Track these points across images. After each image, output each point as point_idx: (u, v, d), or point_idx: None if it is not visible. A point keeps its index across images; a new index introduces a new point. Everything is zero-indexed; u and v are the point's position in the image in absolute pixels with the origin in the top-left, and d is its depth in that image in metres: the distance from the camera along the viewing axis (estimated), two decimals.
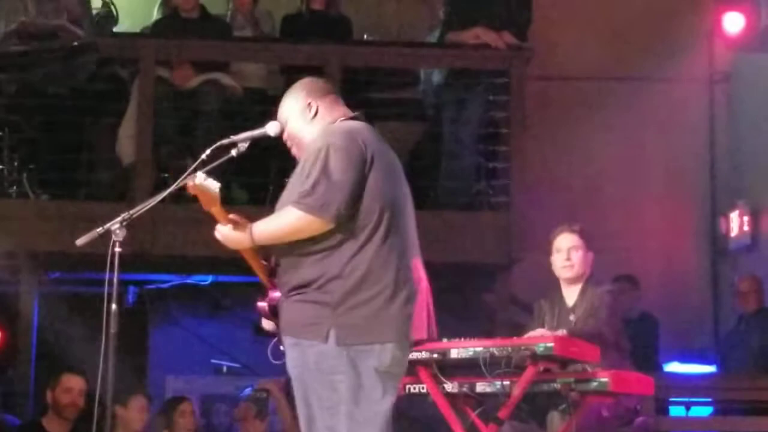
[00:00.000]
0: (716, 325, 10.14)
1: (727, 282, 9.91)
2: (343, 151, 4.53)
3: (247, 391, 8.38)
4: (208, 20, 8.96)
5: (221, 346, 9.89)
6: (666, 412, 8.16)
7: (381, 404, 4.51)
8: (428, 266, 4.73)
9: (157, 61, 8.59)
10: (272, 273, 4.73)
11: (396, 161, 4.76)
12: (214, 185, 4.48)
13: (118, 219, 4.84)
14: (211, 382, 9.85)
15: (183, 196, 8.07)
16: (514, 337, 5.79)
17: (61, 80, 7.51)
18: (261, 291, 4.82)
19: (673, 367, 9.60)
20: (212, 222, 8.37)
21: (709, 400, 8.56)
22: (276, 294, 4.68)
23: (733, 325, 9.37)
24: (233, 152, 4.82)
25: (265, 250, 4.72)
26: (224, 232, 4.63)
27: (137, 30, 9.25)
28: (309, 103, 4.77)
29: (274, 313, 4.70)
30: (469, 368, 5.54)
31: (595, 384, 5.60)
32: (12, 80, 7.74)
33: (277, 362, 4.71)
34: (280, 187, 8.60)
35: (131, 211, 4.90)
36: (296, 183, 4.62)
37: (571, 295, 6.35)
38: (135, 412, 7.64)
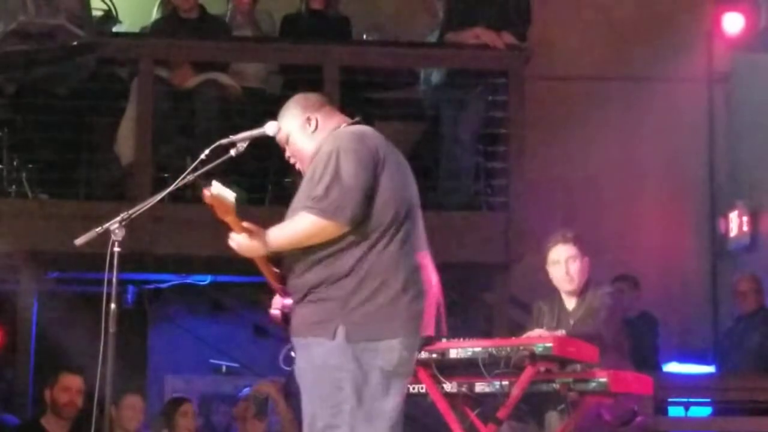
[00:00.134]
0: (715, 325, 10.14)
1: (726, 282, 9.91)
2: (353, 154, 4.55)
3: (246, 390, 8.39)
4: (207, 20, 8.96)
5: (220, 346, 9.89)
6: (665, 412, 8.17)
7: (385, 404, 4.52)
8: None
9: (157, 60, 8.59)
10: (284, 280, 4.73)
11: (404, 161, 4.79)
12: (229, 194, 4.50)
13: (118, 218, 4.84)
14: (211, 381, 9.85)
15: (182, 196, 8.16)
16: (513, 337, 5.79)
17: (61, 80, 7.50)
18: (271, 298, 4.82)
19: (672, 367, 9.61)
20: (211, 221, 8.38)
21: (708, 400, 8.57)
22: (288, 301, 4.68)
23: (731, 325, 9.37)
24: (232, 152, 4.82)
25: (276, 256, 4.72)
26: (239, 241, 4.64)
27: (136, 30, 9.25)
28: (308, 118, 4.80)
29: (286, 320, 4.71)
30: (467, 368, 5.54)
31: (593, 384, 5.60)
32: (11, 80, 7.73)
33: (287, 368, 4.71)
34: (279, 186, 8.71)
35: (130, 211, 4.91)
36: (306, 189, 4.63)
37: (571, 300, 6.35)
38: (127, 410, 7.64)
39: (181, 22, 8.87)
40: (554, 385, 5.65)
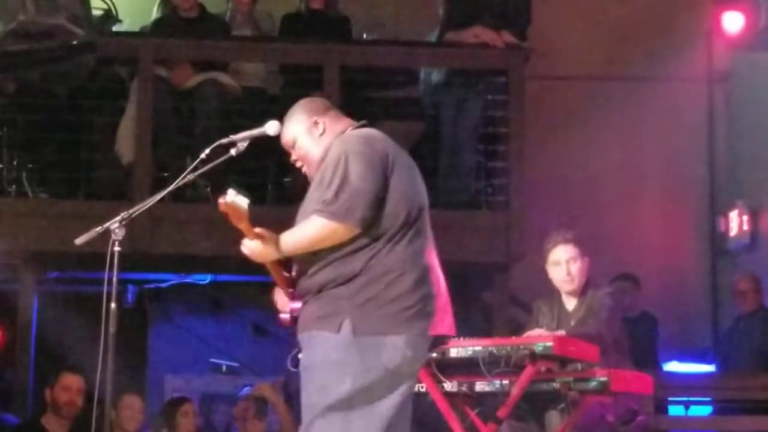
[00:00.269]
0: (715, 324, 10.14)
1: (726, 281, 9.91)
2: (362, 157, 4.57)
3: (246, 390, 8.39)
4: (207, 19, 8.96)
5: (220, 345, 9.89)
6: (665, 411, 8.18)
7: (384, 403, 4.52)
8: None
9: (156, 60, 8.59)
10: (294, 284, 4.74)
11: (413, 163, 4.80)
12: (243, 202, 4.50)
13: (118, 218, 4.85)
14: (210, 381, 9.85)
15: (182, 196, 8.17)
16: (513, 337, 5.80)
17: (61, 79, 7.50)
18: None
19: (672, 366, 9.61)
20: (211, 221, 8.39)
21: (708, 399, 8.57)
22: (297, 305, 4.69)
23: (731, 324, 9.37)
24: (232, 151, 4.83)
25: (288, 259, 4.72)
26: (251, 247, 4.64)
27: (136, 29, 9.25)
28: (315, 121, 4.80)
29: (296, 324, 4.71)
30: (468, 367, 5.55)
31: (594, 383, 5.61)
32: (11, 79, 7.73)
33: (295, 370, 4.71)
34: (279, 186, 8.71)
35: (130, 210, 4.91)
36: (316, 193, 4.64)
37: (571, 300, 6.36)
38: (126, 411, 7.64)
39: (180, 22, 8.87)
40: (554, 384, 5.65)
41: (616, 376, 5.64)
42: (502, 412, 5.55)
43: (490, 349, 5.48)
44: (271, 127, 4.82)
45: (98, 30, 7.57)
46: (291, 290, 4.74)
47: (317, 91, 7.80)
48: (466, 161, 8.60)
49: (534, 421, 6.10)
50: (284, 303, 4.77)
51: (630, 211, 10.07)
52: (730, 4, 9.11)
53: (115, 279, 4.81)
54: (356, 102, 8.45)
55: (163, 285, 9.60)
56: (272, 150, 7.92)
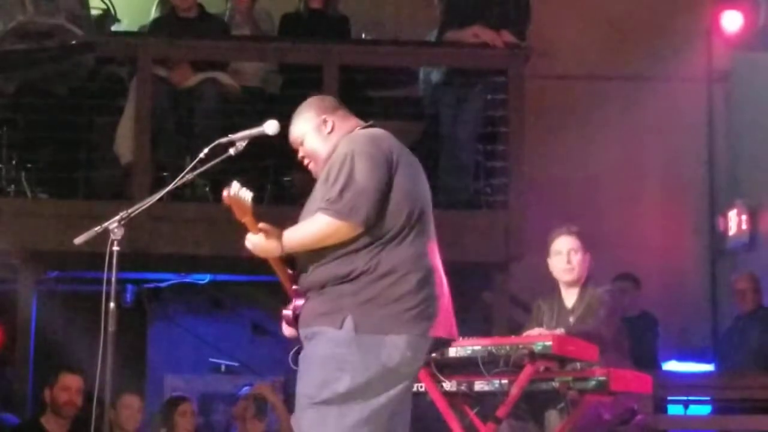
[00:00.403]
0: (715, 323, 10.15)
1: (725, 281, 9.92)
2: (367, 156, 4.58)
3: (246, 389, 8.38)
4: (206, 19, 8.96)
5: (220, 345, 9.89)
6: (664, 410, 8.18)
7: (378, 400, 4.53)
8: None
9: (156, 60, 8.59)
10: (297, 281, 4.75)
11: (418, 163, 4.82)
12: (247, 195, 4.51)
13: (117, 218, 4.85)
14: (210, 380, 9.85)
15: (181, 195, 8.17)
16: (513, 336, 5.80)
17: (60, 79, 7.51)
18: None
19: (672, 365, 9.61)
20: (210, 220, 8.39)
21: (708, 398, 8.57)
22: (299, 302, 4.69)
23: (731, 323, 9.37)
24: (231, 151, 4.83)
25: (290, 257, 4.73)
26: (255, 242, 4.65)
27: (135, 29, 9.25)
28: (324, 120, 4.81)
29: (297, 321, 4.71)
30: (467, 367, 5.54)
31: (593, 383, 5.61)
32: (10, 79, 7.73)
33: (296, 368, 4.72)
34: (279, 185, 8.70)
35: (129, 210, 4.91)
36: (321, 191, 4.65)
37: (570, 296, 6.36)
38: (125, 410, 7.64)
39: (179, 21, 8.87)
40: (554, 383, 5.65)
41: (615, 375, 5.64)
42: (501, 412, 5.55)
43: (489, 348, 5.48)
44: (270, 127, 4.82)
45: (97, 30, 7.57)
46: (294, 287, 4.74)
47: (316, 91, 7.80)
48: (465, 161, 8.60)
49: (533, 420, 6.09)
50: (292, 333, 4.78)
51: (629, 211, 10.08)
52: (729, 4, 9.11)
53: (114, 278, 4.81)
54: (355, 102, 8.42)
55: (163, 285, 9.60)
56: (271, 150, 7.98)
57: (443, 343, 4.80)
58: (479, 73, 8.71)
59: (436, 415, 5.76)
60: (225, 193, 4.50)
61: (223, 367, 9.87)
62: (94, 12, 7.88)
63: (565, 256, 6.33)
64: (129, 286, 9.58)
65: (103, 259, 4.80)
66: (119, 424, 7.62)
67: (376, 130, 4.79)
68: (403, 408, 4.65)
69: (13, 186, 8.44)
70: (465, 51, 8.73)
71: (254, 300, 9.52)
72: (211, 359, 9.88)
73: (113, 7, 8.76)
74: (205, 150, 4.82)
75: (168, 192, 5.07)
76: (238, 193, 4.49)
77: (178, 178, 4.98)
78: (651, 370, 7.38)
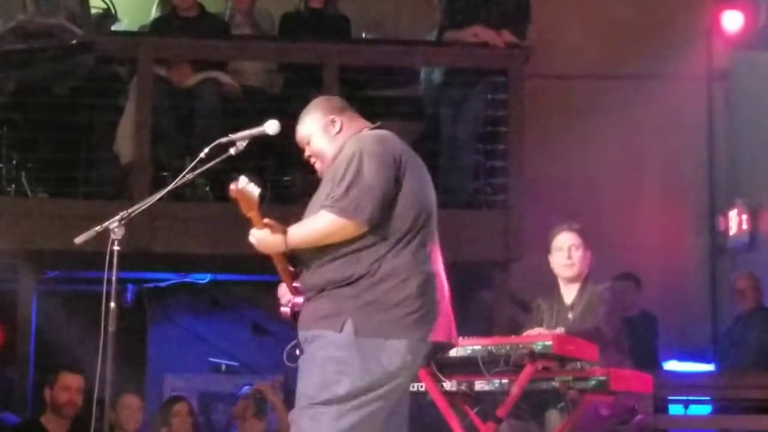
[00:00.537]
0: (715, 323, 10.14)
1: (725, 280, 9.92)
2: (375, 156, 4.59)
3: (246, 389, 8.38)
4: (206, 19, 8.96)
5: (220, 344, 9.89)
6: (664, 410, 8.17)
7: (377, 403, 4.53)
8: None
9: (156, 59, 8.59)
10: (298, 279, 4.75)
11: (424, 165, 4.83)
12: (255, 190, 4.51)
13: (117, 217, 4.85)
14: (210, 380, 9.85)
15: (181, 195, 8.16)
16: (513, 336, 5.80)
17: (60, 79, 7.51)
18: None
19: (672, 365, 9.61)
20: (210, 220, 8.39)
21: (708, 398, 8.57)
22: (299, 300, 4.69)
23: (731, 323, 9.37)
24: (231, 151, 4.83)
25: (293, 255, 4.73)
26: (259, 237, 4.65)
27: (135, 29, 9.25)
28: (332, 120, 4.82)
29: (295, 318, 4.72)
30: (467, 367, 5.54)
31: (593, 382, 5.60)
32: (10, 79, 7.73)
33: (291, 365, 4.72)
34: (278, 185, 8.70)
35: (130, 210, 4.92)
36: (327, 189, 4.65)
37: (569, 293, 6.36)
38: (125, 411, 7.63)
39: (180, 21, 8.87)
40: (554, 383, 5.65)
41: (615, 374, 5.64)
42: (501, 411, 5.55)
43: (489, 348, 5.48)
44: (270, 127, 4.82)
45: (97, 29, 7.57)
46: (294, 285, 4.74)
47: (316, 91, 7.80)
48: (465, 160, 8.60)
49: (533, 420, 6.09)
50: (284, 293, 4.77)
51: (629, 210, 10.08)
52: (729, 3, 9.11)
53: (114, 278, 4.81)
54: (355, 101, 8.41)
55: (163, 284, 9.61)
56: (271, 149, 7.98)
57: (443, 347, 4.80)
58: (479, 72, 8.71)
59: (436, 414, 5.76)
60: (232, 186, 4.50)
61: (223, 367, 9.87)
62: (94, 11, 7.89)
63: (566, 251, 6.33)
64: (129, 286, 9.59)
65: (103, 258, 4.80)
66: (119, 425, 7.61)
67: (384, 132, 4.80)
68: (400, 410, 4.67)
69: (13, 185, 8.44)
70: (465, 51, 8.73)
71: (254, 300, 9.53)
72: (211, 359, 9.89)
73: (113, 6, 8.77)
74: (206, 150, 4.82)
75: (168, 192, 5.07)
76: (246, 187, 4.50)
77: (179, 178, 4.98)
78: (651, 369, 7.38)
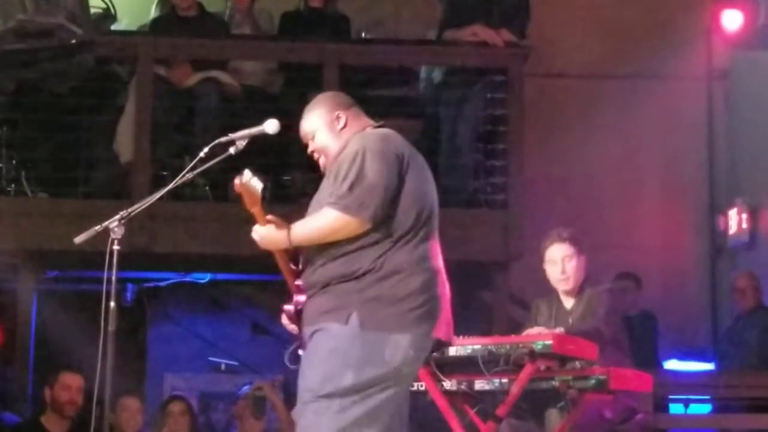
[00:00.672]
0: (714, 322, 10.15)
1: (725, 279, 9.93)
2: (379, 154, 4.60)
3: (245, 389, 8.38)
4: (206, 18, 8.96)
5: (219, 344, 9.89)
6: (665, 409, 8.17)
7: (379, 398, 4.53)
8: None
9: (155, 59, 8.59)
10: (300, 277, 4.75)
11: (426, 164, 4.83)
12: (258, 185, 4.51)
13: (117, 217, 4.85)
14: (210, 379, 9.85)
15: (181, 194, 8.16)
16: (513, 335, 5.80)
17: (60, 78, 7.50)
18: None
19: (672, 364, 9.61)
20: (210, 220, 8.39)
21: (708, 397, 8.57)
22: (301, 298, 4.69)
23: (731, 322, 9.37)
24: (231, 150, 4.83)
25: (296, 252, 4.72)
26: (262, 233, 4.66)
27: (135, 28, 9.24)
28: (338, 115, 4.83)
29: (299, 316, 4.71)
30: (467, 366, 5.54)
31: (593, 381, 5.60)
32: (10, 78, 7.73)
33: (293, 367, 4.72)
34: (278, 185, 8.70)
35: (129, 209, 4.92)
36: (330, 186, 4.65)
37: (568, 299, 6.35)
38: (124, 413, 7.62)
39: (179, 20, 8.87)
40: (554, 382, 5.65)
41: (615, 374, 5.63)
42: (501, 411, 5.55)
43: (489, 347, 5.48)
44: (270, 126, 4.83)
45: (97, 29, 7.57)
46: (297, 283, 4.74)
47: (316, 90, 7.79)
48: (465, 160, 8.59)
49: (533, 419, 6.09)
50: (292, 328, 4.78)
51: (629, 210, 10.08)
52: (729, 3, 9.11)
53: (114, 278, 4.82)
54: (355, 101, 8.44)
55: (162, 284, 9.60)
56: (271, 149, 7.98)
57: (441, 345, 4.81)
58: (479, 72, 8.71)
59: (436, 414, 5.76)
60: (237, 180, 4.51)
61: (223, 366, 9.87)
62: (94, 11, 7.88)
63: (559, 264, 6.30)
64: (129, 286, 9.59)
65: (103, 258, 4.81)
66: (119, 426, 7.60)
67: (387, 130, 4.81)
68: (402, 407, 4.66)
69: (13, 185, 8.44)
70: (465, 50, 8.72)
71: (254, 299, 9.53)
72: (211, 358, 9.89)
73: (113, 6, 8.76)
74: (205, 149, 4.82)
75: (168, 191, 5.07)
76: (250, 181, 4.51)
77: (178, 178, 4.98)
78: (651, 369, 7.38)
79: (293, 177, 8.68)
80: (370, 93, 8.96)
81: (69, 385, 7.51)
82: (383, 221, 4.57)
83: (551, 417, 6.01)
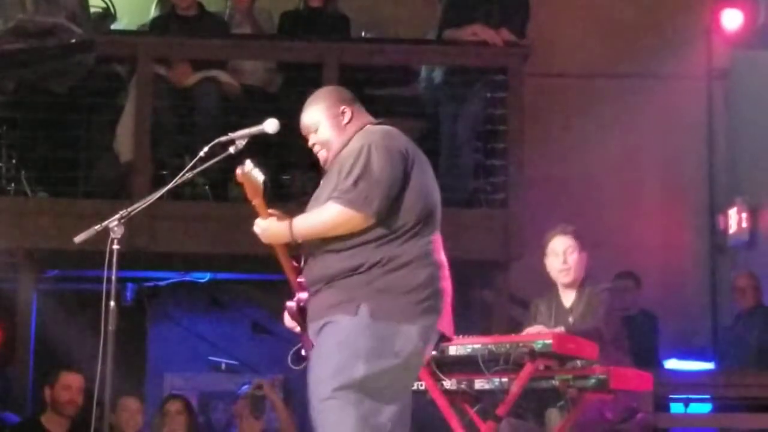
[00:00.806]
0: (715, 322, 10.14)
1: (725, 279, 9.92)
2: (384, 150, 4.61)
3: (245, 388, 8.38)
4: (205, 18, 8.96)
5: (219, 343, 9.89)
6: (665, 408, 8.17)
7: (391, 390, 4.56)
8: None
9: (155, 58, 8.59)
10: (302, 273, 4.74)
11: (428, 161, 4.84)
12: (259, 176, 4.52)
13: (116, 216, 4.86)
14: (210, 379, 9.85)
15: (181, 194, 8.16)
16: (513, 334, 5.80)
17: (60, 78, 7.50)
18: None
19: (672, 364, 9.61)
20: (210, 219, 8.39)
21: (708, 396, 8.57)
22: (303, 295, 4.68)
23: (731, 322, 9.37)
24: (231, 149, 4.83)
25: (297, 248, 4.72)
26: (264, 226, 4.67)
27: (135, 28, 9.24)
28: (343, 110, 4.84)
29: (300, 313, 4.70)
30: (467, 365, 5.54)
31: (593, 381, 5.60)
32: (10, 78, 7.73)
33: (296, 368, 4.72)
34: (278, 184, 8.70)
35: (129, 209, 4.92)
36: (334, 181, 4.65)
37: (568, 296, 6.36)
38: (124, 413, 7.62)
39: (179, 20, 8.87)
40: (554, 381, 5.65)
41: (615, 373, 5.63)
42: (501, 410, 5.55)
43: (489, 347, 5.48)
44: (269, 126, 4.83)
45: (97, 28, 7.57)
46: (298, 280, 4.73)
47: (316, 90, 7.79)
48: (464, 159, 8.59)
49: (533, 418, 6.10)
50: (293, 325, 4.77)
51: (629, 209, 10.07)
52: (729, 2, 9.12)
53: (114, 277, 4.82)
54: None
55: (162, 283, 9.60)
56: (271, 148, 7.98)
57: (443, 339, 4.81)
58: (479, 71, 8.71)
59: (436, 413, 5.75)
60: (239, 170, 4.52)
61: (223, 366, 9.87)
62: (93, 11, 7.88)
63: (561, 256, 6.32)
64: (129, 285, 9.58)
65: (102, 257, 4.81)
66: (119, 427, 7.59)
67: (390, 127, 4.81)
68: (409, 401, 4.69)
69: (12, 185, 8.44)
70: (464, 49, 8.73)
71: (254, 298, 9.53)
72: (210, 358, 9.89)
73: (113, 5, 8.76)
74: (205, 149, 4.83)
75: (168, 190, 5.07)
76: (251, 172, 4.52)
77: (178, 177, 4.98)
78: (651, 368, 7.38)
79: (293, 176, 8.68)
80: (370, 92, 8.97)
81: (69, 384, 7.50)
82: (388, 216, 4.58)
83: (551, 416, 6.01)
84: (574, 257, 6.31)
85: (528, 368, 5.44)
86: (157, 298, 9.82)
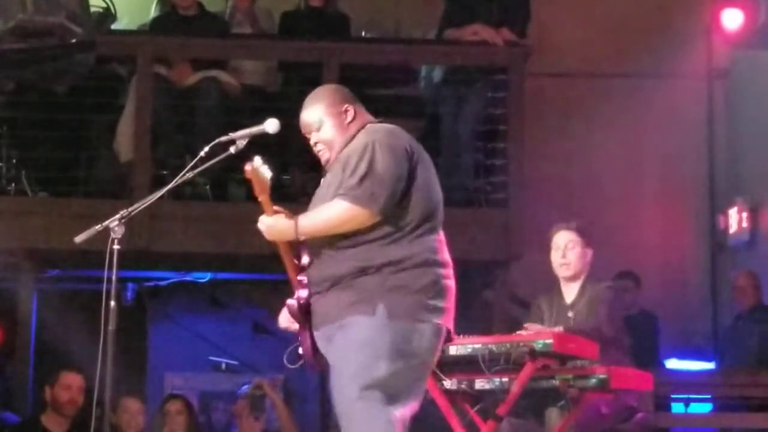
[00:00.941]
0: (715, 321, 10.14)
1: (726, 278, 9.92)
2: (389, 148, 4.60)
3: (245, 388, 8.39)
4: (205, 17, 8.96)
5: (220, 343, 9.89)
6: (665, 408, 8.17)
7: (413, 389, 4.56)
8: None
9: (156, 58, 8.59)
10: (303, 272, 4.73)
11: (430, 159, 4.83)
12: (267, 173, 4.52)
13: (117, 216, 4.85)
14: (210, 379, 9.85)
15: (181, 194, 8.16)
16: (513, 334, 5.80)
17: (60, 78, 7.50)
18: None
19: (672, 363, 9.61)
20: (210, 219, 8.38)
21: (708, 396, 8.57)
22: (304, 293, 4.67)
23: (731, 321, 9.37)
24: (232, 149, 4.83)
25: (299, 247, 4.71)
26: (269, 223, 4.65)
27: (135, 28, 9.25)
28: (346, 108, 4.82)
29: (302, 311, 4.69)
30: (467, 365, 5.55)
31: (593, 380, 5.61)
32: (10, 78, 7.73)
33: (292, 366, 4.71)
34: (278, 184, 8.70)
35: (130, 208, 4.92)
36: (339, 178, 4.64)
37: (570, 292, 6.36)
38: (125, 414, 7.61)
39: (179, 20, 8.87)
40: (554, 381, 5.65)
41: (615, 373, 5.64)
42: (501, 410, 5.55)
43: (489, 346, 5.49)
44: (270, 125, 4.82)
45: (97, 28, 7.57)
46: (300, 278, 4.72)
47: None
48: (465, 159, 8.59)
49: (534, 418, 6.10)
50: (289, 324, 4.77)
51: (629, 208, 10.07)
52: (729, 2, 9.11)
53: (114, 277, 4.81)
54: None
55: (163, 283, 9.60)
56: (271, 148, 7.97)
57: (448, 338, 4.81)
58: (479, 71, 8.71)
59: (436, 413, 5.75)
60: (247, 166, 4.51)
61: (223, 366, 9.87)
62: (94, 10, 7.88)
63: (561, 251, 6.34)
64: (129, 285, 9.59)
65: (103, 257, 4.80)
66: (120, 428, 7.58)
67: (394, 126, 4.80)
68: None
69: (13, 185, 8.44)
70: (465, 49, 8.73)
71: (254, 298, 9.52)
72: (211, 357, 9.89)
73: (113, 5, 8.75)
74: (206, 148, 4.82)
75: (168, 190, 5.07)
76: (260, 168, 4.51)
77: (179, 177, 4.98)
78: (652, 368, 7.38)
79: (293, 176, 8.68)
80: (370, 92, 8.97)
81: (69, 384, 7.50)
82: (393, 214, 4.57)
83: (551, 416, 6.01)
84: (574, 252, 6.32)
85: (528, 368, 5.44)
86: (158, 298, 9.82)
